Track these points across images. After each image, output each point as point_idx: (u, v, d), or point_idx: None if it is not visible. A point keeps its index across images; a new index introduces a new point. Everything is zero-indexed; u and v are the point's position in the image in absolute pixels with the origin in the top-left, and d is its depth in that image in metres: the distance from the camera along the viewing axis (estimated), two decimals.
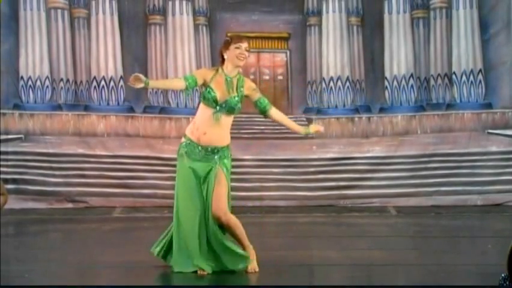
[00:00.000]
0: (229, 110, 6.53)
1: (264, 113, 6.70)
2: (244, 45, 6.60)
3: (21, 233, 9.71)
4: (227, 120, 6.59)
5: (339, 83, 11.92)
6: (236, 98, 6.54)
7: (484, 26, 11.86)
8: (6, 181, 11.10)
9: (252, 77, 11.83)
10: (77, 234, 9.41)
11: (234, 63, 6.59)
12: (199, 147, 6.57)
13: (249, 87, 6.66)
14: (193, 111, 11.87)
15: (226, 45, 6.63)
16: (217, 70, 6.64)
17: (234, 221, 6.58)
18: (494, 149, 11.56)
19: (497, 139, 11.63)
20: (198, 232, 6.54)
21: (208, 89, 6.54)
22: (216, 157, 6.56)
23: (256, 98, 6.68)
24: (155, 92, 11.93)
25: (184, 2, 12.01)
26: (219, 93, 6.52)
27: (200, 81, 6.54)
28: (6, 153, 11.33)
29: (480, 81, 11.82)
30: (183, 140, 6.66)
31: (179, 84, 6.61)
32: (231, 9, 11.96)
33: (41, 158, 11.47)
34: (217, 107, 6.53)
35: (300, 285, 6.29)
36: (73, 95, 11.87)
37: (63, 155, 11.48)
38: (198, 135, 6.58)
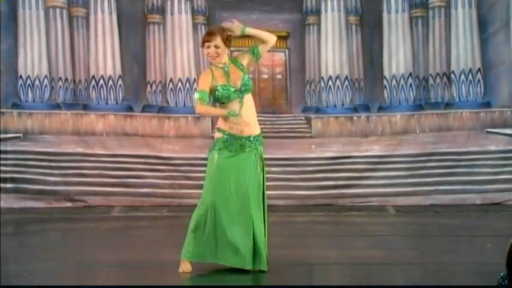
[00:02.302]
0: (247, 88, 6.58)
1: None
2: (208, 44, 6.61)
3: (20, 232, 9.70)
4: (250, 100, 6.65)
5: (337, 82, 11.91)
6: (246, 76, 6.62)
7: (482, 25, 11.85)
8: (5, 180, 11.12)
9: (250, 75, 11.79)
10: (76, 233, 9.42)
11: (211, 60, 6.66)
12: (243, 139, 6.59)
13: (243, 59, 6.73)
14: (191, 111, 11.94)
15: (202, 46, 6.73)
16: (210, 69, 6.67)
17: None
18: (493, 148, 11.56)
19: (496, 138, 11.62)
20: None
21: (221, 88, 6.55)
22: (256, 145, 6.62)
23: (252, 57, 6.76)
24: (154, 91, 11.93)
25: (182, 1, 12.00)
26: (232, 85, 6.57)
27: (208, 90, 6.57)
28: (5, 152, 11.32)
29: (479, 80, 11.82)
30: (220, 135, 6.64)
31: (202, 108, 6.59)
32: (230, 8, 11.94)
33: (40, 157, 11.45)
34: (239, 94, 6.57)
35: (301, 286, 6.28)
36: (72, 94, 11.85)
37: (62, 154, 11.47)
38: (240, 128, 6.58)
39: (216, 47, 6.58)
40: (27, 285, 5.73)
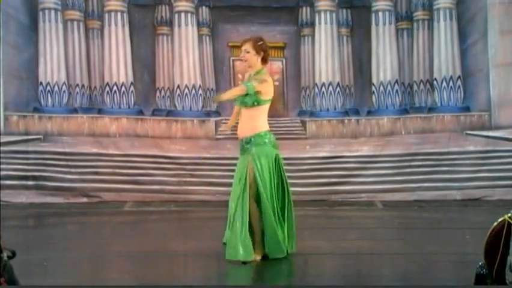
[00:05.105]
0: (242, 102, 6.51)
1: None
2: (241, 48, 6.58)
3: (41, 225, 9.70)
4: (247, 113, 6.55)
5: (330, 88, 11.90)
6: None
7: (462, 36, 11.86)
8: (27, 178, 11.11)
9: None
10: (91, 226, 9.41)
11: None
12: (241, 141, 6.60)
13: (257, 78, 6.56)
14: (197, 114, 11.95)
15: None
16: None
17: None
18: (471, 148, 11.55)
19: (474, 139, 11.61)
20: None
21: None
22: (250, 147, 6.56)
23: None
24: (163, 96, 11.94)
25: (189, 15, 11.99)
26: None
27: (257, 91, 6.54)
28: (27, 152, 11.32)
29: (459, 87, 11.81)
30: None
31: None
32: (232, 21, 11.95)
33: (59, 157, 11.44)
34: (239, 103, 6.56)
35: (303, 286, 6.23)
36: (88, 99, 11.85)
37: (78, 154, 11.46)
38: (238, 131, 6.61)
39: (245, 51, 6.52)
40: (28, 285, 5.53)
